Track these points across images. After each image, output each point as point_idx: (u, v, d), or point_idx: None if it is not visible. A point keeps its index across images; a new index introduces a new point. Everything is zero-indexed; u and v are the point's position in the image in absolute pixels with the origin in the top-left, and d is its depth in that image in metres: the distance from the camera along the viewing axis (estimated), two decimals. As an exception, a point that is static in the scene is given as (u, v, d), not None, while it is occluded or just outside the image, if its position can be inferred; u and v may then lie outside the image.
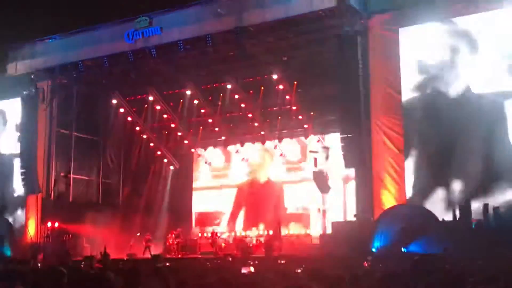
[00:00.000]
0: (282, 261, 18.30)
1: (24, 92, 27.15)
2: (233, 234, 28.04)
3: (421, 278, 6.94)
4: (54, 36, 26.44)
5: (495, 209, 17.63)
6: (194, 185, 30.99)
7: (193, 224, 30.20)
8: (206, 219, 29.85)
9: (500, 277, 6.80)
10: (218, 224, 29.18)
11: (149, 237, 26.16)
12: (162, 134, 30.11)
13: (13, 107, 28.38)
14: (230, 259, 18.15)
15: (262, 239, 25.84)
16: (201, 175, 31.08)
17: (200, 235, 29.22)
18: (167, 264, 18.83)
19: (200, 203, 30.59)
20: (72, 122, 28.14)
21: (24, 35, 27.48)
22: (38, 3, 30.63)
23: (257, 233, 27.46)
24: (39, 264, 18.00)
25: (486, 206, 17.70)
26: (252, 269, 11.59)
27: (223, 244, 26.59)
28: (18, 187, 27.66)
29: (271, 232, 25.83)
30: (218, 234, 26.99)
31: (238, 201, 29.70)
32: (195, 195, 30.79)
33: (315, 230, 25.82)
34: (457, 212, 18.24)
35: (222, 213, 29.63)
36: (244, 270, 10.86)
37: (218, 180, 30.58)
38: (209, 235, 27.18)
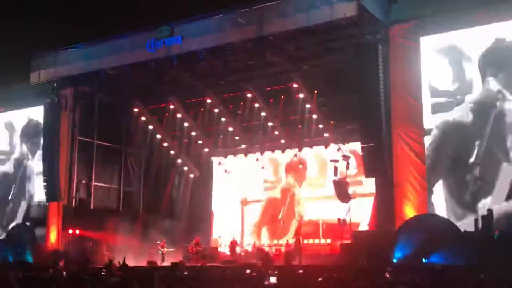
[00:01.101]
0: (300, 271, 18.16)
1: (47, 100, 27.45)
2: (253, 243, 28.00)
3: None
4: (76, 45, 26.71)
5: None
6: (215, 193, 31.10)
7: (212, 232, 30.21)
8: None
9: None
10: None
11: (163, 244, 26.25)
12: (183, 142, 30.22)
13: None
14: (248, 271, 18.01)
15: (282, 249, 25.77)
16: (222, 184, 31.14)
17: (220, 243, 29.26)
18: (186, 272, 18.91)
19: (224, 211, 30.66)
20: (94, 130, 28.47)
21: (46, 44, 27.81)
22: (61, 12, 31.00)
23: (277, 242, 27.41)
24: (64, 272, 18.09)
25: (509, 216, 17.49)
26: (274, 280, 11.50)
27: (242, 253, 26.58)
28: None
29: (290, 242, 25.73)
30: (238, 243, 26.96)
31: (264, 211, 29.65)
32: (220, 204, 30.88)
33: (336, 240, 25.64)
34: (479, 223, 18.00)
35: (248, 224, 29.56)
36: (266, 282, 10.80)
37: (243, 191, 30.59)
38: (228, 243, 27.17)
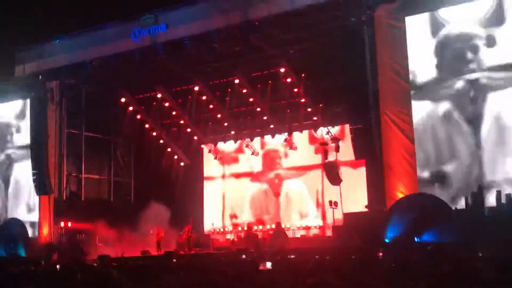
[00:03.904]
0: (292, 256, 18.23)
1: (33, 94, 27.23)
2: (245, 228, 28.07)
3: (435, 266, 6.93)
4: (61, 37, 26.50)
5: (508, 196, 17.49)
6: (207, 181, 31.09)
7: (204, 220, 30.23)
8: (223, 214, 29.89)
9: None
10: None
11: (159, 231, 26.21)
12: (172, 131, 30.14)
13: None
14: (244, 256, 18.07)
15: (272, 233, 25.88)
16: (213, 170, 31.10)
17: (213, 230, 29.30)
18: (174, 260, 18.95)
19: (215, 198, 30.64)
20: (82, 122, 28.32)
21: (30, 36, 27.54)
22: (43, 4, 30.62)
23: (269, 227, 27.52)
24: (57, 265, 18.09)
25: (499, 193, 17.57)
26: (269, 265, 11.53)
27: (235, 239, 26.64)
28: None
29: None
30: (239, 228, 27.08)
31: (256, 197, 29.71)
32: (211, 191, 30.87)
33: (328, 223, 25.75)
34: (470, 200, 18.09)
35: (238, 208, 29.57)
36: (262, 267, 10.82)
37: (231, 175, 30.61)
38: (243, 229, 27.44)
